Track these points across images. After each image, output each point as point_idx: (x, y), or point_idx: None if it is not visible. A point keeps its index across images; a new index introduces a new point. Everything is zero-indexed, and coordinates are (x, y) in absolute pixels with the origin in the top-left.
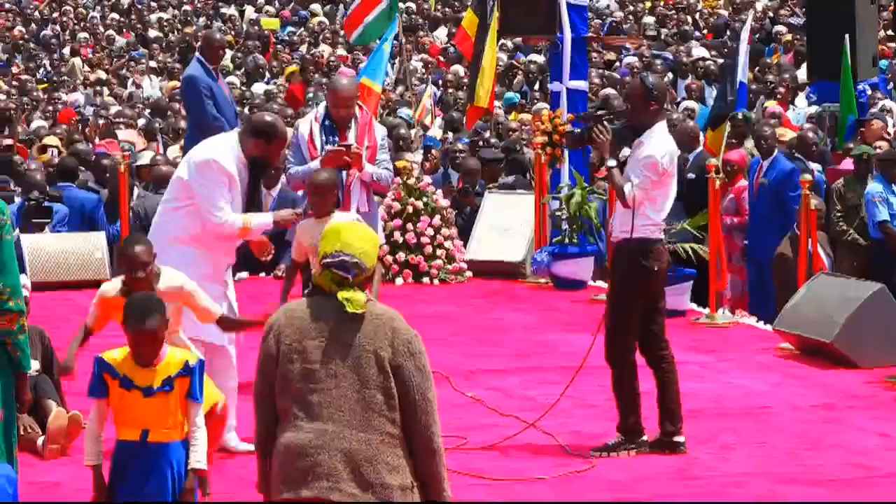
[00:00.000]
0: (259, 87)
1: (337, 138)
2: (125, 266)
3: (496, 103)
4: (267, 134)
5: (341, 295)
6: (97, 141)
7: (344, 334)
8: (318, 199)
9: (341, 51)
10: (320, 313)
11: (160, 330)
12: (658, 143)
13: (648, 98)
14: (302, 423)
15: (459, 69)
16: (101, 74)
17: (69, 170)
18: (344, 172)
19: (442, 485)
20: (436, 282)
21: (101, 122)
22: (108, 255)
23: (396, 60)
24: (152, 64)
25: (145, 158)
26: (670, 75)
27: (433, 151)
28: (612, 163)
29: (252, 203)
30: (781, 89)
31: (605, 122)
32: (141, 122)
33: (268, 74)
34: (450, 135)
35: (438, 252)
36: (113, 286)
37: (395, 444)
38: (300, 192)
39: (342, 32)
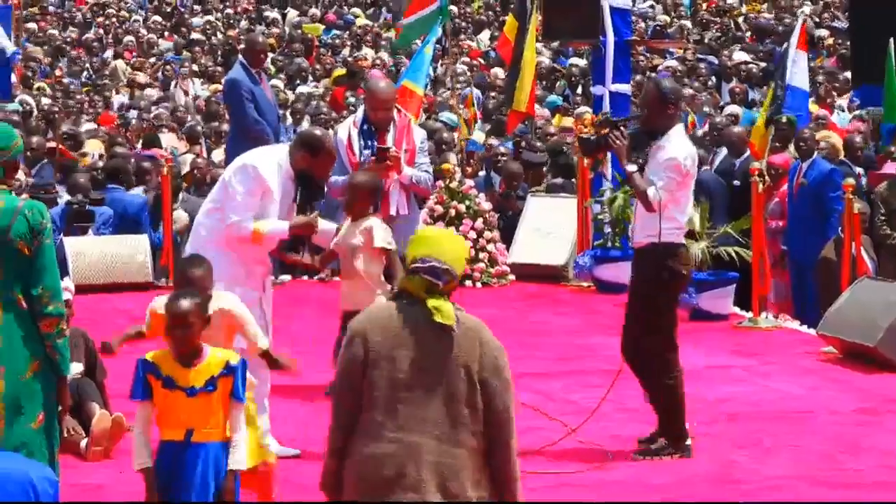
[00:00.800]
0: (302, 91)
1: (376, 142)
2: (180, 286)
3: (536, 107)
4: (312, 147)
5: (431, 303)
6: (139, 145)
7: (434, 344)
8: (355, 201)
9: (384, 54)
10: (409, 321)
11: (193, 315)
12: (679, 146)
13: (664, 102)
14: (387, 433)
15: (500, 73)
16: (144, 78)
17: (117, 172)
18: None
19: (517, 493)
20: (478, 285)
21: (143, 125)
22: (151, 258)
23: (439, 64)
24: (194, 67)
25: (187, 162)
26: (714, 79)
27: (475, 155)
28: (632, 167)
29: None
30: (826, 92)
31: (622, 127)
32: (189, 122)
33: (310, 77)
34: (493, 139)
35: (481, 255)
36: (162, 302)
37: (477, 458)
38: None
39: (384, 35)
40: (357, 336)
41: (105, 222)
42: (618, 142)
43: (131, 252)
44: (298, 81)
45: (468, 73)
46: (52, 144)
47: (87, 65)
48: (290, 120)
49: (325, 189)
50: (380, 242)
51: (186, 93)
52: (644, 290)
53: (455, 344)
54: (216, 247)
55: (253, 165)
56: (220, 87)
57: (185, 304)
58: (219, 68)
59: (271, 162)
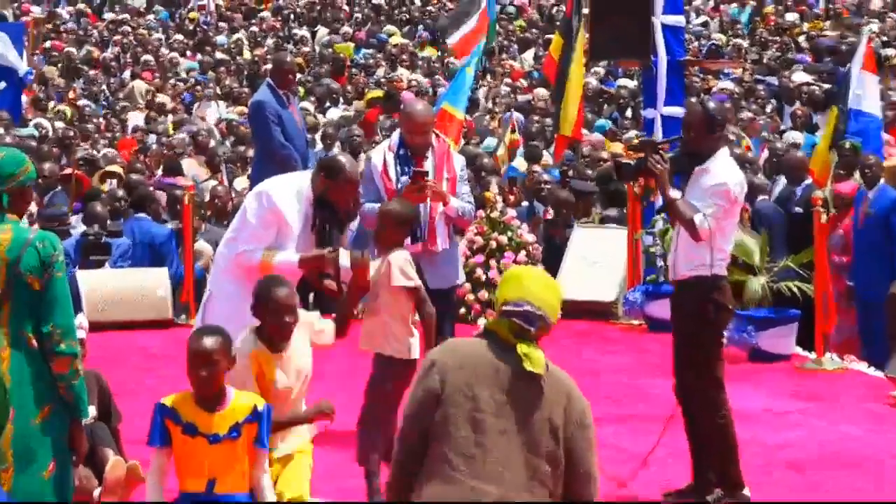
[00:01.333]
0: (334, 114)
1: (413, 168)
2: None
3: (585, 131)
4: (330, 170)
5: (521, 349)
6: (159, 172)
7: (520, 391)
8: (383, 231)
9: (419, 75)
10: (495, 362)
11: (218, 354)
12: (726, 170)
13: (710, 123)
14: (460, 476)
15: (544, 93)
16: (165, 99)
17: (144, 201)
18: (424, 205)
19: None
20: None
21: (164, 150)
22: (172, 293)
23: (478, 85)
24: (217, 90)
25: (207, 190)
26: (774, 101)
27: (517, 183)
28: (676, 194)
29: (322, 247)
30: (889, 114)
31: (662, 151)
32: (212, 147)
33: (342, 100)
34: (535, 165)
35: None
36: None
37: None
38: None
39: (421, 55)
40: (435, 367)
41: (123, 254)
42: (658, 166)
43: (150, 287)
44: (329, 104)
45: (511, 96)
46: (68, 171)
47: (105, 86)
48: (319, 145)
49: (357, 218)
50: (397, 281)
51: (203, 118)
52: (688, 326)
53: (542, 394)
54: (234, 279)
55: (268, 194)
56: (245, 109)
57: (209, 341)
58: (245, 90)
59: (289, 190)
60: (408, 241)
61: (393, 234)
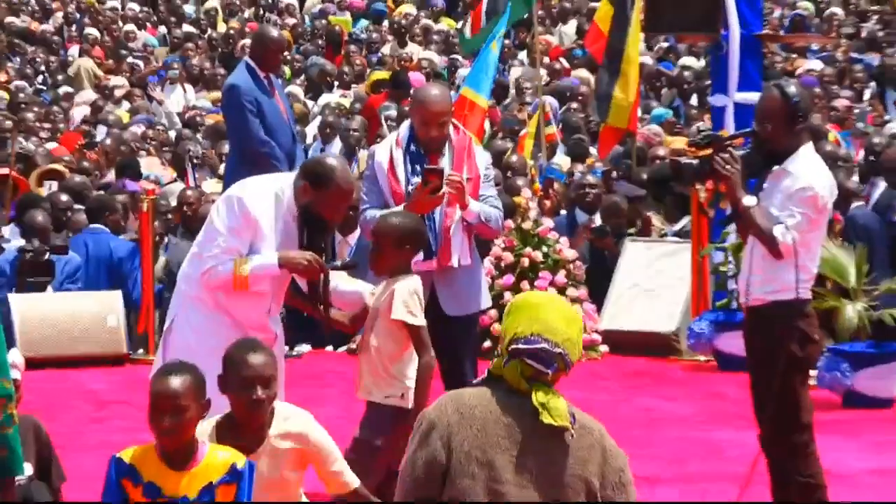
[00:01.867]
0: (328, 101)
1: (425, 165)
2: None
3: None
4: (316, 176)
5: (537, 398)
6: (108, 172)
7: (544, 450)
8: (378, 251)
9: (433, 53)
10: (508, 416)
11: (187, 398)
12: (812, 171)
13: (791, 113)
14: None
15: (588, 76)
16: (118, 82)
17: (103, 209)
18: (438, 210)
19: None
20: None
21: (118, 145)
22: (126, 321)
23: (506, 66)
24: (185, 71)
25: (172, 194)
26: (874, 85)
27: (555, 186)
28: (750, 201)
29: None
30: None
31: (731, 148)
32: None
33: (337, 84)
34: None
35: None
36: None
37: None
38: None
39: (436, 28)
40: (435, 430)
41: (71, 275)
42: (728, 167)
43: (100, 314)
44: (322, 88)
45: (546, 78)
46: (2, 170)
47: (44, 66)
48: (312, 138)
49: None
50: (397, 313)
51: (160, 102)
52: (766, 363)
53: (570, 451)
54: (200, 304)
55: (238, 197)
56: (219, 95)
57: (176, 382)
58: (219, 71)
59: (265, 193)
60: (420, 255)
61: (390, 257)
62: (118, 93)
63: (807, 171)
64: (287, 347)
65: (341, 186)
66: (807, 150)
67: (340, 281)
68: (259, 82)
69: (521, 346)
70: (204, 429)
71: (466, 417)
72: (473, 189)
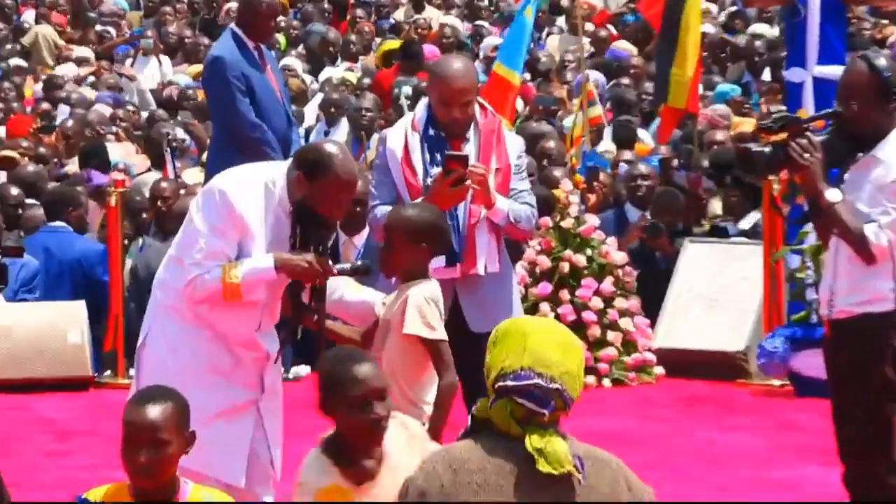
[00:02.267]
0: (331, 75)
1: (446, 152)
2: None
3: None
4: (311, 165)
5: (531, 443)
6: (72, 161)
7: (562, 496)
8: (390, 251)
9: (454, 19)
10: (510, 463)
11: (168, 431)
12: None
13: (882, 91)
14: None
15: (629, 47)
16: (83, 53)
17: (65, 204)
18: (462, 207)
19: None
20: (606, 382)
21: (81, 128)
22: (91, 337)
23: (544, 34)
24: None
25: (146, 186)
26: None
27: (601, 177)
28: (834, 195)
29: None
30: None
31: (811, 132)
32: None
33: (341, 55)
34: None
35: (610, 335)
36: None
37: None
38: None
39: None
40: (427, 498)
41: (27, 282)
42: (806, 155)
43: (60, 328)
44: (325, 61)
45: (590, 49)
46: None
47: None
48: (315, 119)
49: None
50: (411, 327)
51: (132, 78)
52: (853, 387)
53: (590, 490)
54: (176, 316)
55: (220, 190)
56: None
57: (155, 411)
58: (202, 41)
59: (253, 184)
60: (440, 261)
61: (402, 257)
62: (83, 69)
63: None
64: (282, 370)
65: (341, 176)
66: None
67: (347, 289)
68: (247, 54)
69: (509, 382)
70: (311, 462)
71: (462, 473)
72: (503, 181)
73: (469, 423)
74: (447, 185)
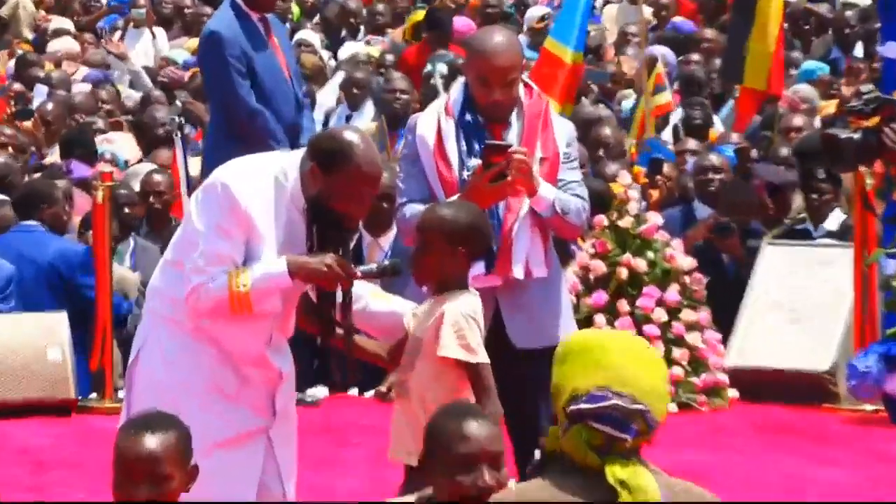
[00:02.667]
0: (351, 50)
1: (509, 143)
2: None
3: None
4: (327, 156)
5: (613, 474)
6: (52, 150)
7: None
8: (423, 255)
9: None
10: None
11: (170, 463)
12: None
13: None
14: None
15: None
16: (62, 24)
17: (40, 200)
18: (503, 205)
19: None
20: (672, 407)
21: (65, 113)
22: (73, 353)
23: (600, 4)
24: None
25: (136, 178)
26: None
27: (665, 169)
28: None
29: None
30: None
31: None
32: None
33: (363, 29)
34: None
35: (676, 352)
36: None
37: None
38: None
39: None
40: None
41: (0, 290)
42: None
43: (39, 343)
44: (344, 34)
45: (653, 21)
46: None
47: None
48: (335, 102)
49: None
50: (449, 348)
51: (123, 57)
52: None
53: None
54: (174, 329)
55: (223, 183)
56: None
57: (154, 441)
58: (205, 10)
59: (262, 176)
60: (480, 268)
61: (437, 263)
62: (57, 44)
63: None
64: (297, 391)
65: (362, 168)
66: None
67: (371, 298)
68: (249, 26)
69: (583, 405)
70: None
71: None
72: (549, 173)
73: (538, 456)
74: (487, 180)
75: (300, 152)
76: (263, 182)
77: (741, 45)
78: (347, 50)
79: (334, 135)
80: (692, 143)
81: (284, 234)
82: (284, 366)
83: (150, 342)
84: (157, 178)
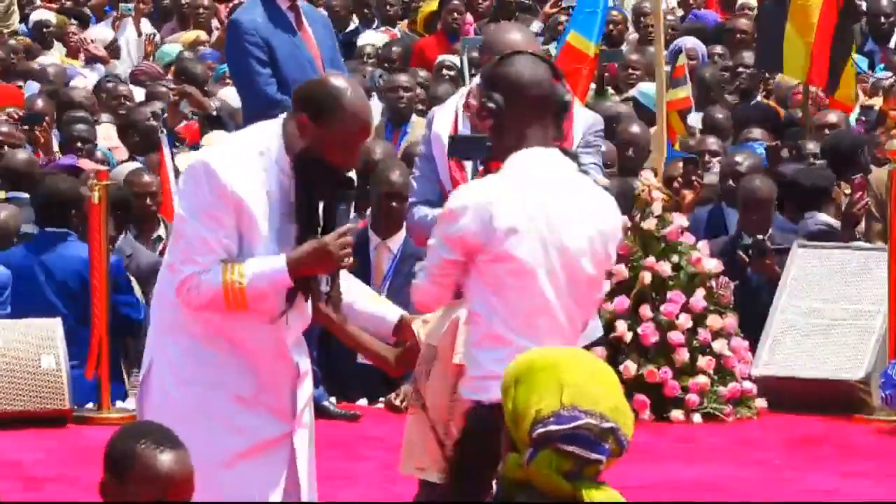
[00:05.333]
0: (370, 39)
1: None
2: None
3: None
4: (316, 104)
5: (591, 498)
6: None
7: None
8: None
9: None
10: None
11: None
12: None
13: None
14: None
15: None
16: (45, 16)
17: (68, 203)
18: None
19: None
20: (696, 418)
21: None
22: (67, 361)
23: None
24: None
25: (122, 175)
26: None
27: (693, 167)
28: None
29: (312, 233)
30: None
31: None
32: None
33: (377, 19)
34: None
35: (701, 360)
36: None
37: None
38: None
39: None
40: None
41: None
42: None
43: (32, 352)
44: (358, 25)
45: (678, 9)
46: None
47: None
48: (373, 100)
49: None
50: (462, 357)
51: (105, 61)
52: None
53: None
54: (182, 338)
55: (204, 163)
56: (205, 36)
57: (174, 459)
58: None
59: (243, 151)
60: None
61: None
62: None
63: None
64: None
65: (356, 113)
66: None
67: (361, 297)
68: (277, 15)
69: (551, 427)
70: None
71: None
72: None
73: (495, 490)
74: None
75: (277, 121)
76: (245, 156)
77: (777, 32)
78: (365, 39)
79: (322, 82)
80: (711, 141)
81: (276, 206)
82: (302, 361)
83: (157, 355)
84: (147, 179)
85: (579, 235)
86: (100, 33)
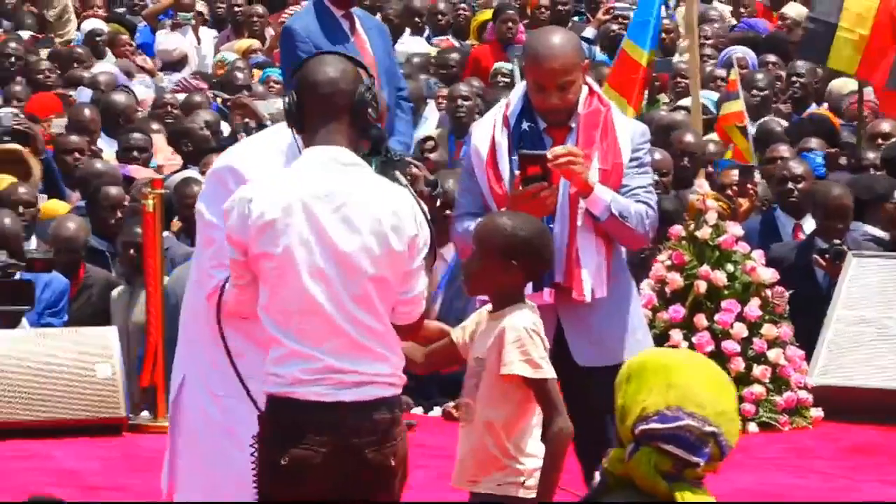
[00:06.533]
0: (413, 49)
1: (519, 151)
2: None
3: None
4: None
5: (684, 499)
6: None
7: None
8: (479, 269)
9: None
10: None
11: None
12: None
13: None
14: None
15: (801, 10)
16: (95, 25)
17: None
18: (561, 209)
19: None
20: (752, 427)
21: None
22: (125, 375)
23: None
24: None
25: (174, 181)
26: None
27: (756, 177)
28: None
29: None
30: None
31: None
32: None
33: (428, 28)
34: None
35: (757, 370)
36: None
37: None
38: None
39: None
40: None
41: (52, 304)
42: None
43: (87, 361)
44: (409, 32)
45: (731, 19)
46: None
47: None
48: (429, 108)
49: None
50: (513, 366)
51: (152, 73)
52: None
53: None
54: (213, 348)
55: (228, 167)
56: (257, 44)
57: None
58: (258, 8)
59: (266, 150)
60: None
61: (490, 275)
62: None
63: None
64: None
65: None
66: None
67: None
68: (330, 23)
69: (653, 425)
70: None
71: None
72: (615, 178)
73: (598, 480)
74: (528, 195)
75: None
76: (268, 156)
77: (828, 24)
78: (404, 49)
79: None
80: (783, 149)
81: None
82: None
83: (190, 375)
84: (196, 189)
85: (349, 235)
86: (166, 42)
